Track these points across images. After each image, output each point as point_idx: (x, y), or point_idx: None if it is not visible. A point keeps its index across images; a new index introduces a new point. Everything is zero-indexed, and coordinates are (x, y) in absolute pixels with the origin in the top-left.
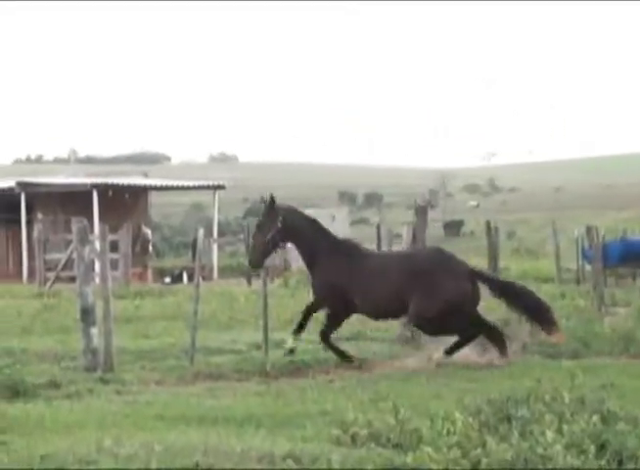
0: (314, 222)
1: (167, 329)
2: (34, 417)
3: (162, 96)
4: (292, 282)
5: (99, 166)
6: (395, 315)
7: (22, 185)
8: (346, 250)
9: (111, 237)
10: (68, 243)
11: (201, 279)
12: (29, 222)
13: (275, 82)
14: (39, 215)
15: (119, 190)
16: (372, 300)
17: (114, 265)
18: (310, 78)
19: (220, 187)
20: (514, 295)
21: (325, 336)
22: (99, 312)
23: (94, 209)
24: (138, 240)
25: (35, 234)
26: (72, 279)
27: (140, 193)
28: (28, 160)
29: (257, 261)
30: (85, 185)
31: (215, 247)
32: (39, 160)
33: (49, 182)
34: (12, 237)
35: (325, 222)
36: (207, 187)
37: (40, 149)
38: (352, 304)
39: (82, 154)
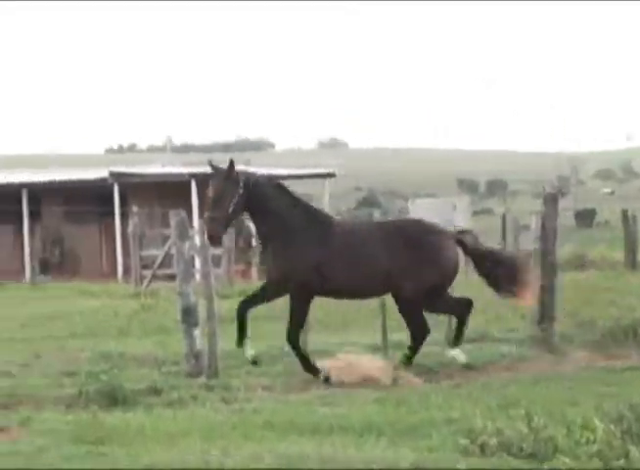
0: (283, 188)
1: (276, 331)
2: (134, 426)
3: (265, 80)
4: None
5: (197, 155)
6: (378, 293)
7: (116, 175)
8: (324, 221)
9: None
10: (166, 238)
11: None
12: (123, 215)
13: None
14: (134, 208)
15: None
16: (357, 277)
17: (216, 262)
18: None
19: (330, 175)
20: (483, 257)
21: (295, 337)
22: (201, 313)
23: (193, 200)
24: (241, 234)
25: (130, 228)
26: (171, 277)
27: None
28: (121, 148)
29: (218, 236)
30: (183, 175)
31: None
32: (132, 148)
33: (144, 172)
34: (105, 231)
35: (445, 212)
36: (316, 175)
37: (133, 137)
38: (329, 285)
39: (178, 141)
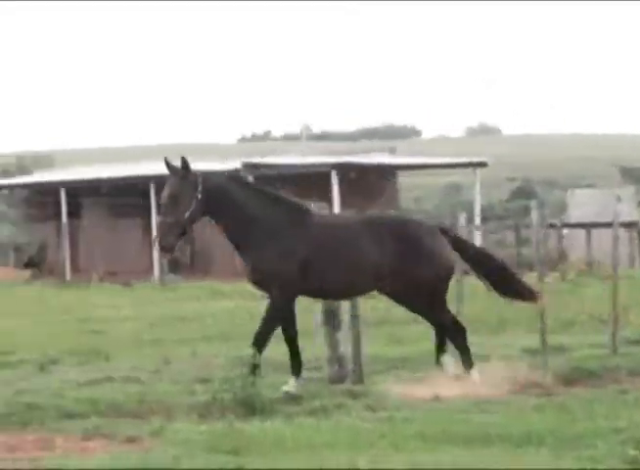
0: (247, 185)
1: (425, 333)
2: (273, 436)
3: (409, 63)
4: (570, 275)
5: (337, 143)
6: (363, 293)
7: (250, 167)
8: (304, 216)
9: None
10: None
11: (462, 274)
12: None
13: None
14: None
15: (363, 170)
16: (343, 276)
17: None
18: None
19: (482, 164)
20: (485, 264)
21: (263, 339)
22: (344, 314)
23: (334, 193)
24: None
25: None
26: None
27: (387, 173)
28: (255, 137)
29: (171, 245)
30: (323, 165)
31: (478, 235)
32: (267, 137)
33: (280, 163)
34: None
35: (608, 204)
36: (466, 164)
37: (268, 124)
38: (312, 286)
39: (316, 129)
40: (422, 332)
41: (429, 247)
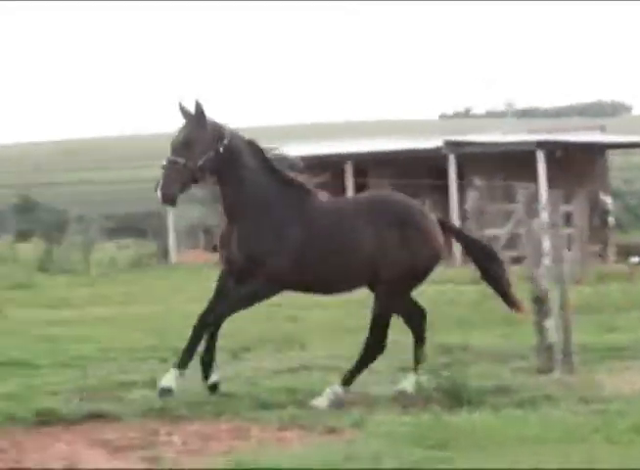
0: (263, 154)
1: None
2: (481, 429)
3: (619, 38)
4: None
5: (542, 121)
6: (360, 285)
7: (451, 145)
8: (306, 193)
9: (562, 207)
10: (507, 215)
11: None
12: (459, 190)
13: None
14: (476, 181)
15: (571, 149)
16: (341, 264)
17: (568, 243)
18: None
19: None
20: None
21: (220, 320)
22: (553, 301)
23: (539, 172)
24: (595, 211)
25: (469, 204)
26: (515, 260)
27: (596, 152)
28: (456, 114)
29: (174, 194)
30: (528, 144)
31: None
32: (468, 113)
33: (483, 141)
34: (435, 207)
35: None
36: None
37: (470, 101)
38: (305, 275)
39: (521, 105)
40: (636, 320)
41: (427, 231)
